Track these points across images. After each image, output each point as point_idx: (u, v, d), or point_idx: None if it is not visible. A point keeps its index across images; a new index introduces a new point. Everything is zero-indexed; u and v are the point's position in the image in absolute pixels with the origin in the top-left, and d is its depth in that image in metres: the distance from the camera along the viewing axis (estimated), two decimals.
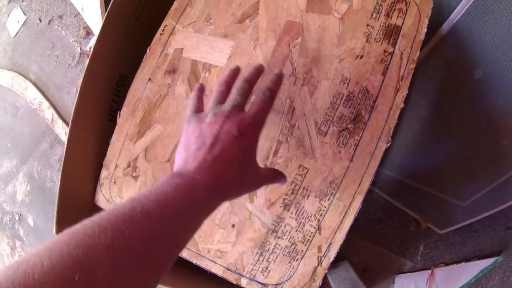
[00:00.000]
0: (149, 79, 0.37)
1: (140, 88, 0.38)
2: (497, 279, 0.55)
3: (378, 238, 0.56)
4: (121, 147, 0.38)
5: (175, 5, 0.38)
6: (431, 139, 0.55)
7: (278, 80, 0.27)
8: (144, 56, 0.38)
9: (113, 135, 0.39)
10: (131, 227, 0.16)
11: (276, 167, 0.32)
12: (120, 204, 0.18)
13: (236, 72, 0.29)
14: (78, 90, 0.38)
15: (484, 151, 0.50)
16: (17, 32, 0.71)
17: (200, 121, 0.24)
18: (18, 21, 0.71)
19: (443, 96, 0.51)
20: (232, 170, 0.22)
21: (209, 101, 0.26)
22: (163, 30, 0.38)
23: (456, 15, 0.40)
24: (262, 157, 0.32)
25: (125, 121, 0.38)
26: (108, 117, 0.41)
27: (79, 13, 0.66)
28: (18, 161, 0.65)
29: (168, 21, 0.38)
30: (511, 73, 0.43)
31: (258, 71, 0.28)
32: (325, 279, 0.54)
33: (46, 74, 0.65)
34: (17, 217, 0.65)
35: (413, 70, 0.35)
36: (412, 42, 0.35)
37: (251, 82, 0.26)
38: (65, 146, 0.38)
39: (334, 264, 0.55)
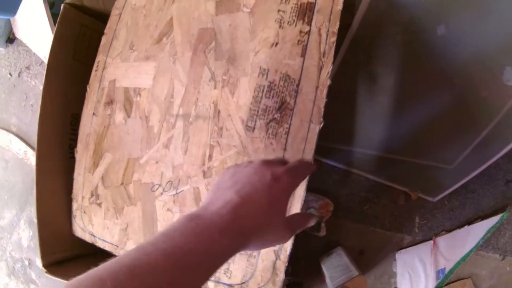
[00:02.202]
0: (93, 113, 0.42)
1: (88, 124, 0.42)
2: (507, 236, 0.54)
3: (368, 218, 0.56)
4: (83, 179, 0.43)
5: (102, 41, 0.42)
6: (403, 108, 0.55)
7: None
8: (86, 94, 0.43)
9: (75, 170, 0.44)
10: (132, 281, 0.16)
11: (213, 171, 0.35)
12: (126, 253, 0.18)
13: None
14: (36, 137, 0.43)
15: (462, 108, 0.50)
16: None
17: (238, 166, 0.25)
18: None
19: (408, 61, 0.51)
20: (256, 215, 0.21)
21: None
22: (97, 66, 0.42)
23: None
24: (199, 164, 0.35)
25: (82, 156, 0.43)
26: (69, 155, 0.46)
27: (43, 61, 0.72)
28: (17, 210, 0.72)
29: (99, 57, 0.42)
30: (475, 21, 0.42)
31: None
32: (319, 268, 0.55)
33: (25, 124, 0.73)
34: (26, 263, 0.72)
35: (334, 44, 0.36)
36: (330, 15, 0.36)
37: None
38: (34, 189, 0.43)
39: (327, 252, 0.56)
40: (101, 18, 0.52)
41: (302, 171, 0.26)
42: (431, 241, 0.55)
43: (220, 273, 0.36)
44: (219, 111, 0.35)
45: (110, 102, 0.41)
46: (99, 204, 0.42)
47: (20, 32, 0.75)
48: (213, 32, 0.37)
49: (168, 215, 0.37)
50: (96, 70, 0.42)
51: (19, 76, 0.75)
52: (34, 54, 0.74)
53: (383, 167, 0.55)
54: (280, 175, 0.23)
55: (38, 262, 0.75)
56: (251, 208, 0.21)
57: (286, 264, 0.35)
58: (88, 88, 0.43)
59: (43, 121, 0.44)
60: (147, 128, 0.38)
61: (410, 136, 0.55)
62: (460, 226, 0.55)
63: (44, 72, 0.44)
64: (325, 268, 0.53)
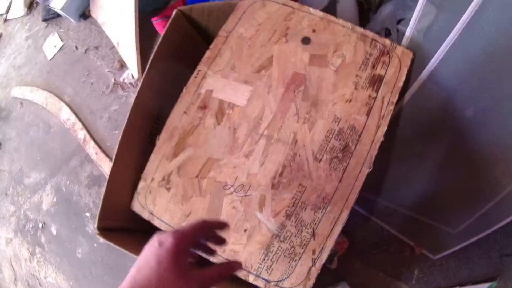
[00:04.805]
0: (185, 112, 0.55)
1: (177, 119, 0.55)
2: None
3: (375, 261, 0.69)
4: (158, 164, 0.55)
5: (207, 54, 0.57)
6: (425, 172, 0.70)
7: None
8: (181, 93, 0.56)
9: (152, 154, 0.56)
10: None
11: (280, 185, 0.48)
12: None
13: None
14: (127, 115, 0.56)
15: (474, 182, 0.65)
16: (54, 56, 0.92)
17: None
18: (55, 46, 0.92)
19: (437, 132, 0.66)
20: (149, 276, 0.28)
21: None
22: (197, 73, 0.57)
23: (433, 62, 0.55)
24: (271, 177, 0.49)
25: (163, 144, 0.55)
26: (148, 139, 0.59)
27: (114, 46, 0.86)
28: (47, 174, 0.82)
29: (201, 67, 0.57)
30: (498, 112, 0.58)
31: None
32: None
33: (80, 98, 0.85)
34: (40, 225, 0.81)
35: (392, 111, 0.51)
36: (393, 88, 0.52)
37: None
38: (113, 158, 0.54)
39: (333, 284, 0.69)
40: (200, 32, 0.67)
41: (189, 228, 0.32)
42: None
43: (262, 269, 0.48)
44: (296, 140, 0.49)
45: (203, 107, 0.54)
46: (168, 189, 0.54)
47: (98, 13, 0.89)
48: (304, 78, 0.52)
49: (232, 212, 0.50)
50: (195, 77, 0.56)
51: (85, 52, 0.88)
52: (106, 36, 0.87)
53: (397, 220, 0.69)
54: (164, 239, 0.30)
55: (53, 228, 0.83)
56: (145, 272, 0.29)
57: (318, 272, 0.48)
58: (184, 90, 0.56)
59: (136, 105, 0.56)
60: (233, 138, 0.51)
61: (425, 198, 0.70)
62: (453, 286, 0.68)
63: (136, 58, 0.58)
64: None
